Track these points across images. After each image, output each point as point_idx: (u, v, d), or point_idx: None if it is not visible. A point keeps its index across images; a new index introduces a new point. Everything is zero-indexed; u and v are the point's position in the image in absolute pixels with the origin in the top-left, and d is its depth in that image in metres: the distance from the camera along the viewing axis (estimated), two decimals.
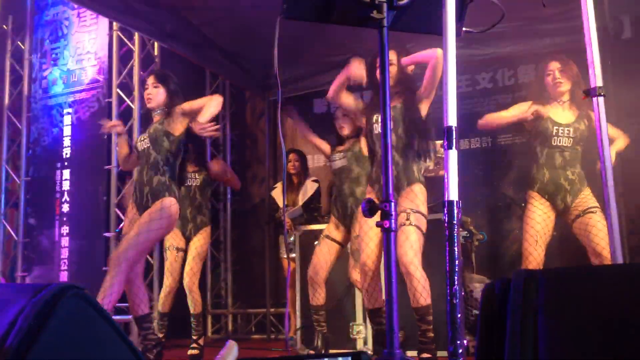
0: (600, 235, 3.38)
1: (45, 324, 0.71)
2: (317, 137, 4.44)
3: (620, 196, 3.91)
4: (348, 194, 4.02)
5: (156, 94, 3.66)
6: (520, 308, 0.55)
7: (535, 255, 3.51)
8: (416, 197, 3.24)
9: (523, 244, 3.59)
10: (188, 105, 3.60)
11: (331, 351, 3.98)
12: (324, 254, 3.93)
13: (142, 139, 3.67)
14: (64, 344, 0.73)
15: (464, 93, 5.40)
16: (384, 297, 3.27)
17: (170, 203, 3.49)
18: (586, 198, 3.53)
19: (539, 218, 3.55)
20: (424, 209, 3.26)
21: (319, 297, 3.93)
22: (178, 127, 3.60)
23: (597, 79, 2.32)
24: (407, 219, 3.15)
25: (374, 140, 3.38)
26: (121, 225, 5.23)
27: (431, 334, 3.15)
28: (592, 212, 3.45)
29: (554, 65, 3.59)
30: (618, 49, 4.55)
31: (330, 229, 4.03)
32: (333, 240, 3.99)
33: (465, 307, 4.00)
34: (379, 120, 3.34)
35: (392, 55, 3.36)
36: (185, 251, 4.56)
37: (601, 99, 2.30)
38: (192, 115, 3.59)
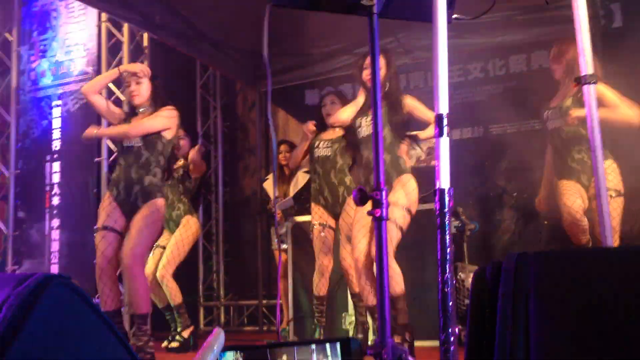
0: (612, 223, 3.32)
1: (30, 313, 0.70)
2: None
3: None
4: (337, 183, 4.02)
5: (140, 90, 3.60)
6: (512, 291, 0.55)
7: (577, 207, 3.35)
8: (403, 187, 3.28)
9: (571, 216, 3.37)
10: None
11: None
12: (330, 242, 3.98)
13: None
14: (50, 333, 0.72)
15: (456, 83, 5.39)
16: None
17: (161, 204, 3.52)
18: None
19: (571, 190, 3.41)
20: (409, 199, 3.28)
21: (325, 286, 3.97)
22: (169, 133, 3.59)
23: (587, 66, 2.31)
24: None
25: (358, 144, 3.42)
26: None
27: (403, 322, 3.24)
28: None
29: (552, 52, 3.65)
30: (609, 38, 4.56)
31: (323, 216, 4.03)
32: (330, 227, 4.02)
33: (457, 297, 4.02)
34: (362, 124, 3.42)
35: (381, 60, 3.38)
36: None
37: (592, 87, 2.30)
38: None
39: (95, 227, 3.57)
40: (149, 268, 4.36)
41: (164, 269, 4.37)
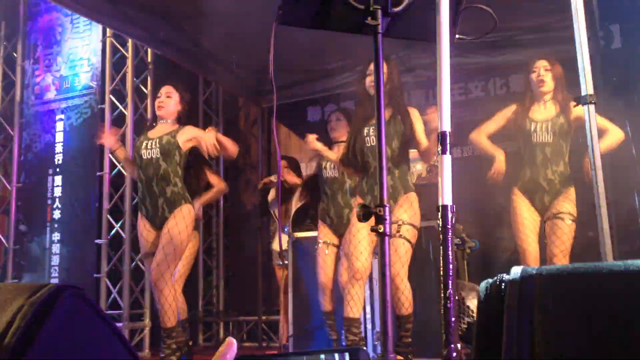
0: (557, 243, 3.45)
1: (43, 323, 0.72)
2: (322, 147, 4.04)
3: (610, 203, 3.92)
4: (344, 205, 4.05)
5: (169, 103, 3.75)
6: (517, 305, 0.56)
7: (530, 250, 3.54)
8: (411, 206, 3.33)
9: (517, 242, 3.63)
10: (202, 139, 3.69)
11: None
12: (331, 259, 3.99)
13: (147, 146, 3.66)
14: (62, 343, 0.74)
15: (457, 102, 5.42)
16: (360, 310, 3.32)
17: (187, 210, 3.62)
18: (564, 200, 3.53)
19: (526, 214, 3.59)
20: (416, 219, 3.34)
21: (330, 302, 3.99)
22: (187, 145, 3.71)
23: (587, 86, 2.34)
24: (398, 231, 3.24)
25: (367, 153, 3.40)
26: (113, 232, 5.23)
27: (408, 340, 3.31)
28: (560, 217, 3.49)
29: (541, 64, 3.66)
30: (608, 59, 4.60)
31: (327, 235, 4.04)
32: (333, 245, 4.04)
33: (457, 315, 4.01)
34: (370, 133, 3.42)
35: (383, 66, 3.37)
36: None
37: (592, 107, 2.33)
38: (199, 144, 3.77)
39: (140, 256, 3.77)
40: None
41: (177, 283, 4.40)
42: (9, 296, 0.78)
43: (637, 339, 0.52)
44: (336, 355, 0.57)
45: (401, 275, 3.21)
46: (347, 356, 0.56)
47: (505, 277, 0.62)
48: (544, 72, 3.63)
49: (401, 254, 3.21)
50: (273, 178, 5.00)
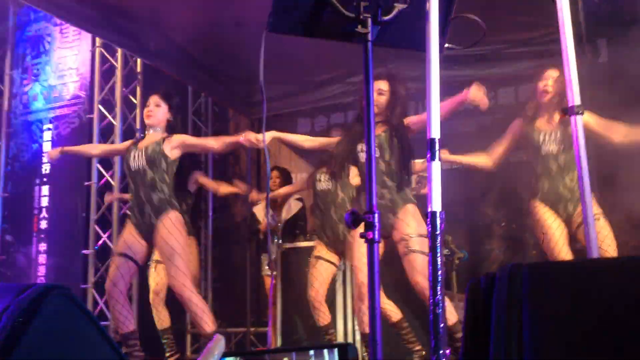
0: (607, 241, 3.32)
1: (30, 323, 0.71)
2: None
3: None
4: (337, 220, 4.01)
5: (157, 112, 3.74)
6: (505, 300, 0.57)
7: (565, 252, 3.38)
8: (413, 217, 3.25)
9: (549, 254, 3.48)
10: (191, 142, 3.83)
11: None
12: (321, 274, 3.94)
13: (135, 157, 3.66)
14: (49, 342, 0.73)
15: None
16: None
17: (175, 216, 3.57)
18: None
19: (555, 223, 3.47)
20: (422, 229, 3.21)
21: (324, 316, 3.92)
22: (175, 153, 3.68)
23: (575, 97, 2.37)
24: (408, 247, 3.15)
25: (361, 168, 3.39)
26: (100, 242, 5.19)
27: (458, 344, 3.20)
28: (594, 218, 3.45)
29: (550, 74, 3.58)
30: (594, 72, 4.65)
31: (322, 251, 4.01)
32: (327, 261, 3.99)
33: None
34: (364, 148, 3.38)
35: (385, 85, 3.38)
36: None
37: (579, 117, 2.35)
38: (192, 150, 3.92)
39: (114, 253, 3.70)
40: (151, 283, 4.39)
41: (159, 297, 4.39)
42: None
43: (625, 331, 0.52)
44: (325, 351, 0.56)
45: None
46: (335, 352, 0.56)
47: (495, 273, 0.63)
48: (551, 83, 3.56)
49: (420, 267, 3.08)
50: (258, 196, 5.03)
